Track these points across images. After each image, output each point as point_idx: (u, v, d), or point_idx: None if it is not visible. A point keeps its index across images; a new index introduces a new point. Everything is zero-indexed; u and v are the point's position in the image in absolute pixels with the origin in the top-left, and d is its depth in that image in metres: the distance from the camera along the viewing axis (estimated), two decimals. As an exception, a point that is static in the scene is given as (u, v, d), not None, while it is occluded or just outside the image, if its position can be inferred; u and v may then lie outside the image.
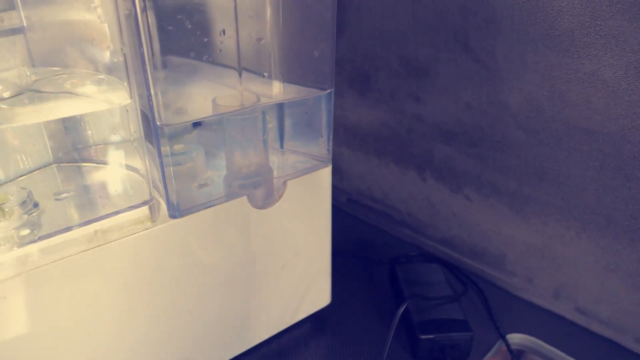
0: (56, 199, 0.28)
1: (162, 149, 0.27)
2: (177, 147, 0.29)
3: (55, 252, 0.25)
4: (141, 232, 0.27)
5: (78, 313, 0.26)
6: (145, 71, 0.25)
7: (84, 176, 0.30)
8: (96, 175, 0.30)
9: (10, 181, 0.30)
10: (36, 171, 0.31)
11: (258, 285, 0.35)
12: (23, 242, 0.24)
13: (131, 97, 0.25)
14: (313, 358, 0.38)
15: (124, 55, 0.24)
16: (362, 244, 0.55)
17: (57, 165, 0.32)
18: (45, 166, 0.32)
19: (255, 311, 0.36)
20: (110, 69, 0.27)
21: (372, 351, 0.39)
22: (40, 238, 0.25)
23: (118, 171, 0.30)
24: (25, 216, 0.25)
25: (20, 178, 0.30)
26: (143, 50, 0.24)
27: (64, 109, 0.28)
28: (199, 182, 0.31)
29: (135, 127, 0.27)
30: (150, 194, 0.28)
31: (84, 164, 0.31)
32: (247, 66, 0.29)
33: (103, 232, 0.26)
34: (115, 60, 0.27)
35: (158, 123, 0.26)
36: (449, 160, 0.47)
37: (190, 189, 0.30)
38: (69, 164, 0.31)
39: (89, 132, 0.30)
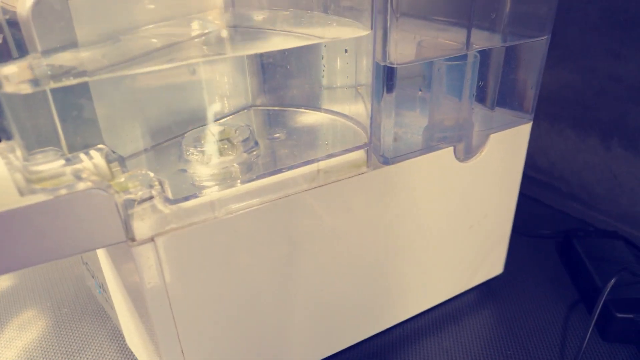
0: (269, 139, 0.27)
1: (385, 94, 0.25)
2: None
3: (278, 190, 0.24)
4: (357, 176, 0.26)
5: (287, 251, 0.26)
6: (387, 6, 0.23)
7: (291, 120, 0.29)
8: (304, 119, 0.29)
9: (216, 121, 0.30)
10: (237, 113, 0.31)
11: (445, 244, 0.33)
12: (247, 179, 0.24)
13: (371, 28, 0.24)
14: (485, 328, 0.36)
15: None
16: (522, 217, 0.51)
17: (256, 108, 0.31)
18: (244, 109, 0.31)
19: (437, 272, 0.35)
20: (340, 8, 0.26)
21: (549, 326, 0.36)
22: (265, 175, 0.24)
23: (329, 115, 0.29)
24: (246, 154, 0.25)
25: (225, 119, 0.30)
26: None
27: (278, 43, 0.27)
28: (409, 130, 0.29)
29: (355, 70, 0.26)
30: (369, 138, 0.26)
31: (288, 108, 0.30)
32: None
33: (325, 172, 0.25)
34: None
35: (385, 63, 0.25)
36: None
37: (401, 136, 0.28)
38: (271, 107, 0.31)
39: (299, 74, 0.29)
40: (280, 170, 0.24)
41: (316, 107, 0.30)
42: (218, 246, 0.23)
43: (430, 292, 0.35)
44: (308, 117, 0.30)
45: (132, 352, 0.33)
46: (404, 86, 0.31)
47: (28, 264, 0.19)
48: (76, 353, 0.35)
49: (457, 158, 0.31)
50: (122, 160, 0.22)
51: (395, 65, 0.25)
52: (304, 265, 0.27)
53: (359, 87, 0.26)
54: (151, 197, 0.22)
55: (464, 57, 0.28)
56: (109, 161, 0.21)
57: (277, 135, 0.27)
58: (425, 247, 0.32)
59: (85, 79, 0.20)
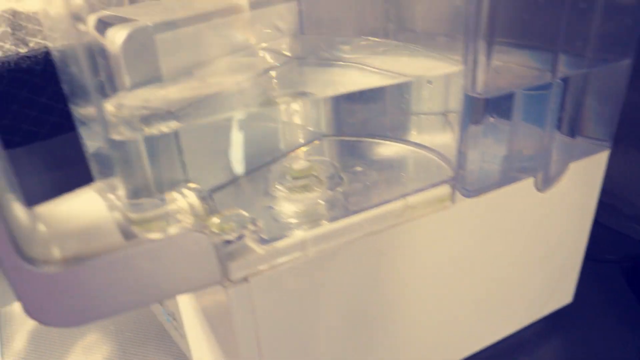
0: (349, 172, 0.27)
1: (472, 125, 0.25)
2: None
3: (365, 226, 0.24)
4: (441, 211, 0.26)
5: (372, 287, 0.25)
6: (479, 36, 0.22)
7: (367, 151, 0.29)
8: (381, 150, 0.29)
9: (288, 152, 0.30)
10: (310, 143, 0.31)
11: (518, 273, 0.32)
12: (336, 216, 0.24)
13: (464, 63, 0.23)
14: (557, 354, 0.35)
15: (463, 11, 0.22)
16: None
17: (329, 138, 0.31)
18: (317, 139, 0.31)
19: (510, 302, 0.34)
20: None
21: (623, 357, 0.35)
22: (353, 212, 0.24)
23: (405, 146, 0.28)
24: (331, 190, 0.25)
25: (298, 149, 0.30)
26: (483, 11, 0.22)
27: (359, 81, 0.27)
28: (492, 160, 0.28)
29: (437, 100, 0.26)
30: (455, 171, 0.26)
31: (362, 139, 0.29)
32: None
33: (412, 207, 0.25)
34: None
35: (474, 94, 0.24)
36: None
37: (484, 168, 0.27)
38: (344, 138, 0.30)
39: (375, 103, 0.28)
40: (367, 207, 0.24)
41: (392, 138, 0.29)
42: (307, 285, 0.23)
43: (501, 324, 0.34)
44: (385, 148, 0.29)
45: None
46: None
47: (125, 309, 0.19)
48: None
49: (536, 188, 0.30)
50: (211, 198, 0.21)
51: (484, 96, 0.24)
52: (388, 300, 0.26)
53: (448, 115, 0.26)
54: (242, 237, 0.21)
55: (549, 86, 0.27)
56: (201, 200, 0.21)
57: (357, 168, 0.26)
58: (500, 277, 0.31)
59: (176, 124, 0.20)
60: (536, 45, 0.26)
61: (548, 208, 0.31)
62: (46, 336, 0.39)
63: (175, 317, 0.32)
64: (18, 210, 0.16)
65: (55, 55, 0.22)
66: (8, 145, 0.43)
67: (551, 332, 0.37)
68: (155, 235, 0.18)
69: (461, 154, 0.26)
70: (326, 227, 0.23)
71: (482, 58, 0.23)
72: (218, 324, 0.24)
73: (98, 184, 0.21)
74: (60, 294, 0.17)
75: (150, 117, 0.20)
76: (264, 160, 0.26)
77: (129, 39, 0.21)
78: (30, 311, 0.18)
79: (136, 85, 0.20)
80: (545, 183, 0.30)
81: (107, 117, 0.18)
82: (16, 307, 0.43)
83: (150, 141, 0.19)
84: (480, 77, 0.23)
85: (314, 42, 0.31)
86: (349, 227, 0.23)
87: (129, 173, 0.19)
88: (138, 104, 0.19)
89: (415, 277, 0.27)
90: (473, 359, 0.34)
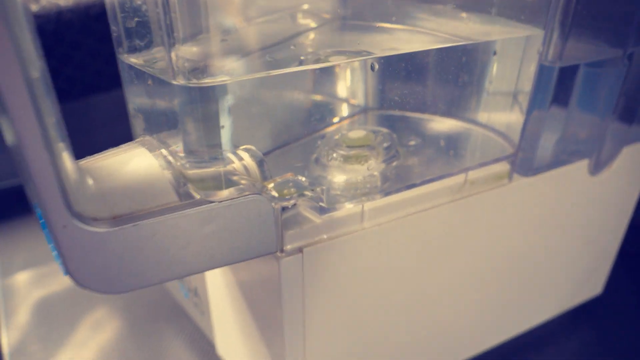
0: (404, 146, 0.25)
1: (541, 102, 0.23)
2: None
3: (424, 201, 0.22)
4: (498, 188, 0.24)
5: (426, 261, 0.24)
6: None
7: (418, 126, 0.27)
8: (434, 126, 0.27)
9: (334, 124, 0.28)
10: (354, 116, 0.29)
11: (559, 257, 0.31)
12: (394, 188, 0.22)
13: (544, 28, 0.21)
14: (584, 348, 0.34)
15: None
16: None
17: (373, 112, 0.29)
18: (361, 112, 0.29)
19: (546, 289, 0.32)
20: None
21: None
22: (412, 185, 0.22)
23: (463, 123, 0.26)
24: (387, 162, 0.23)
25: (342, 122, 0.28)
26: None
27: (411, 42, 0.25)
28: (548, 141, 0.27)
29: (501, 74, 0.24)
30: (516, 148, 0.24)
31: (410, 113, 0.28)
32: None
33: (471, 183, 0.23)
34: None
35: (547, 63, 0.22)
36: None
37: (542, 147, 0.26)
38: (390, 111, 0.28)
39: (425, 75, 0.26)
40: (427, 181, 0.22)
41: (451, 114, 0.27)
42: (361, 258, 0.21)
43: (534, 311, 0.33)
44: (437, 124, 0.27)
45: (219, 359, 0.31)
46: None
47: (174, 277, 0.17)
48: (156, 356, 0.33)
49: (589, 171, 0.28)
50: (265, 163, 0.20)
51: (560, 66, 0.22)
52: (438, 276, 0.25)
53: (509, 92, 0.24)
54: (296, 205, 0.20)
55: (615, 62, 0.25)
56: (257, 163, 0.19)
57: (411, 142, 0.25)
58: (540, 262, 0.30)
59: (233, 77, 0.18)
60: (612, 20, 0.25)
61: (597, 192, 0.29)
62: (52, 310, 0.37)
63: (197, 292, 0.30)
64: (68, 161, 0.14)
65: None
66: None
67: (579, 323, 0.36)
68: (213, 196, 0.17)
69: (525, 134, 0.24)
70: (383, 199, 0.21)
71: (561, 27, 0.22)
72: (260, 298, 0.22)
73: (146, 139, 0.19)
74: (108, 255, 0.16)
75: (210, 67, 0.18)
76: (312, 129, 0.24)
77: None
78: (73, 274, 0.16)
79: (197, 35, 0.18)
80: (597, 166, 0.29)
81: (173, 65, 0.16)
82: (20, 278, 0.41)
83: (209, 94, 0.17)
84: (557, 45, 0.22)
85: (360, 4, 0.28)
86: (407, 200, 0.22)
87: (189, 127, 0.17)
88: (199, 53, 0.17)
89: (466, 255, 0.25)
90: (503, 348, 0.33)
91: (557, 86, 0.23)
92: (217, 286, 0.26)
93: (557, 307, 0.35)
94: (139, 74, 0.19)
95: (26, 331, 0.36)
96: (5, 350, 0.34)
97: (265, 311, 0.22)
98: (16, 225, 0.47)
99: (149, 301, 0.38)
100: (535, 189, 0.26)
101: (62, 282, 0.41)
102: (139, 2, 0.17)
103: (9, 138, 0.13)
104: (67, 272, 0.16)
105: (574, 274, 0.33)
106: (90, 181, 0.16)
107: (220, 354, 0.31)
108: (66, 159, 0.15)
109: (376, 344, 0.25)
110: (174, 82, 0.16)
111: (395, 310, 0.24)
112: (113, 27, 0.20)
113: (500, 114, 0.25)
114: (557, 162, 0.26)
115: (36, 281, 0.40)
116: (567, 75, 0.23)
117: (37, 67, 0.13)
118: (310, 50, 0.22)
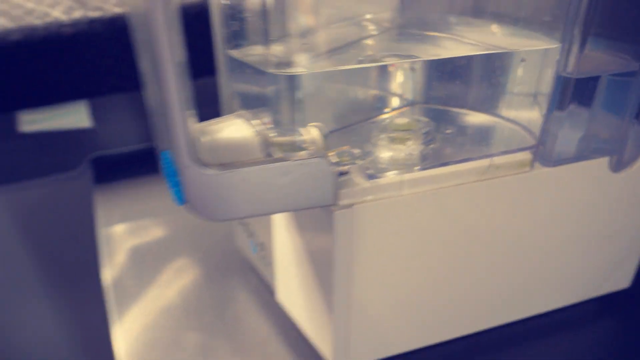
0: (441, 134, 0.30)
1: (559, 104, 0.28)
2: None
3: (452, 178, 0.27)
4: (520, 174, 0.29)
5: (451, 235, 0.29)
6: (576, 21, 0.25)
7: (457, 119, 0.32)
8: (470, 119, 0.32)
9: (385, 113, 0.33)
10: (403, 108, 0.34)
11: (581, 248, 0.35)
12: (428, 165, 0.27)
13: (562, 42, 0.26)
14: (605, 339, 0.37)
15: None
16: None
17: (420, 106, 0.34)
18: (409, 105, 0.34)
19: (566, 275, 0.36)
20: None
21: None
22: (444, 164, 0.27)
23: (493, 118, 0.31)
24: (425, 145, 0.28)
25: (393, 113, 0.33)
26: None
27: (459, 50, 0.30)
28: (570, 138, 0.31)
29: (533, 79, 0.29)
30: (538, 141, 0.29)
31: (452, 108, 0.33)
32: None
33: (495, 167, 0.28)
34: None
35: (564, 74, 0.27)
36: None
37: (562, 144, 0.30)
38: (435, 106, 0.34)
39: (466, 77, 0.32)
40: (457, 161, 0.27)
41: (480, 109, 0.32)
42: (399, 219, 0.27)
43: (557, 294, 0.37)
44: (472, 118, 0.32)
45: (276, 306, 0.38)
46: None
47: (260, 213, 0.24)
48: (226, 300, 0.40)
49: (611, 169, 0.32)
50: (328, 137, 0.26)
51: (575, 77, 0.27)
52: (464, 248, 0.30)
53: (535, 94, 0.29)
54: (349, 171, 0.26)
55: (634, 73, 0.29)
56: (323, 136, 0.25)
57: (447, 131, 0.30)
58: (562, 249, 0.34)
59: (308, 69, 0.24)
60: (628, 35, 0.29)
61: (620, 188, 0.33)
62: (143, 256, 0.45)
63: (263, 247, 0.37)
64: (192, 123, 0.21)
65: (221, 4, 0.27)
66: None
67: (603, 313, 0.39)
68: (289, 157, 0.23)
69: (545, 130, 0.29)
70: (420, 173, 0.27)
71: (577, 41, 0.26)
72: (316, 248, 0.28)
73: (241, 113, 0.26)
74: (213, 191, 0.22)
75: (293, 62, 0.24)
76: (367, 115, 0.30)
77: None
78: (190, 202, 0.22)
79: (284, 37, 0.25)
80: (619, 165, 0.33)
81: (267, 59, 0.22)
82: (117, 229, 0.49)
83: (291, 81, 0.24)
84: (573, 58, 0.26)
85: (412, 16, 0.34)
86: (439, 176, 0.27)
87: (275, 105, 0.24)
88: (286, 51, 0.23)
89: (490, 232, 0.30)
90: (525, 325, 0.37)
91: (575, 93, 0.27)
92: (282, 240, 0.32)
93: (581, 293, 0.39)
94: (240, 65, 0.25)
95: (122, 270, 0.44)
96: (108, 283, 0.42)
97: (319, 259, 0.28)
98: (116, 186, 0.56)
99: (222, 256, 0.45)
100: (556, 179, 0.30)
101: (151, 234, 0.49)
102: (245, 14, 0.24)
103: (157, 104, 0.20)
104: (184, 202, 0.23)
105: (598, 265, 0.37)
106: (204, 139, 0.22)
107: (279, 300, 0.37)
108: (191, 121, 0.21)
109: (411, 299, 0.30)
110: (268, 71, 0.23)
111: (427, 272, 0.29)
112: (221, 29, 0.26)
113: (525, 111, 0.30)
114: (577, 157, 0.31)
115: (130, 232, 0.49)
116: (584, 84, 0.28)
117: (181, 54, 0.20)
118: (370, 52, 0.28)
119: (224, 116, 0.25)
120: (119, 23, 0.47)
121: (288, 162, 0.23)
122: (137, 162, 0.62)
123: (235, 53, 0.26)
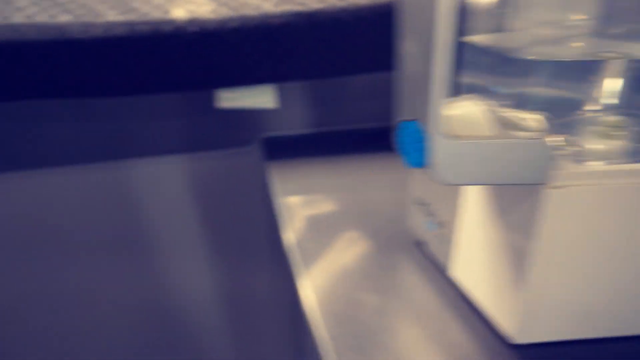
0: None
1: None
2: None
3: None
4: None
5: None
6: None
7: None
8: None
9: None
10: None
11: None
12: (632, 160, 0.29)
13: None
14: None
15: None
16: None
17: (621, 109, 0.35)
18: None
19: None
20: None
21: None
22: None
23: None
24: (633, 141, 0.30)
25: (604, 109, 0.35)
26: None
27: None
28: None
29: None
30: None
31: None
32: None
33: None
34: None
35: None
36: None
37: None
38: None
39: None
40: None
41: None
42: (604, 207, 0.29)
43: None
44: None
45: (446, 281, 0.41)
46: None
47: (481, 182, 0.27)
48: (398, 271, 0.44)
49: None
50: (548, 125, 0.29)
51: None
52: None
53: None
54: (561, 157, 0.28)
55: None
56: (545, 123, 0.28)
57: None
58: None
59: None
60: None
61: None
62: (317, 224, 0.51)
63: (442, 225, 0.40)
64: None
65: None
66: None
67: None
68: (516, 137, 0.26)
69: None
70: (629, 165, 0.29)
71: None
72: (515, 224, 0.31)
73: (470, 96, 0.29)
74: (451, 158, 0.26)
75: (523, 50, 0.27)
76: (580, 109, 0.32)
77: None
78: (434, 166, 0.27)
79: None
80: None
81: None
82: (292, 200, 0.55)
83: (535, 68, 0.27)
84: None
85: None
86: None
87: (512, 87, 0.27)
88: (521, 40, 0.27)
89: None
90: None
91: None
92: (470, 217, 0.36)
93: None
94: (474, 52, 0.29)
95: (300, 234, 0.49)
96: (289, 243, 0.48)
97: (516, 236, 0.31)
98: (288, 164, 0.63)
99: (392, 234, 0.49)
100: None
101: (324, 208, 0.54)
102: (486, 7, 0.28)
103: (413, 81, 0.24)
104: (423, 165, 0.27)
105: None
106: (447, 115, 0.27)
107: (453, 275, 0.40)
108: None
109: (605, 287, 0.31)
110: (517, 57, 0.26)
111: (625, 263, 0.30)
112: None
113: None
114: None
115: (305, 204, 0.55)
116: None
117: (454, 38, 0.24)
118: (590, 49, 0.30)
119: (457, 98, 0.29)
120: (317, 17, 0.54)
121: (515, 139, 0.26)
122: (307, 145, 0.69)
123: (477, 40, 0.30)
